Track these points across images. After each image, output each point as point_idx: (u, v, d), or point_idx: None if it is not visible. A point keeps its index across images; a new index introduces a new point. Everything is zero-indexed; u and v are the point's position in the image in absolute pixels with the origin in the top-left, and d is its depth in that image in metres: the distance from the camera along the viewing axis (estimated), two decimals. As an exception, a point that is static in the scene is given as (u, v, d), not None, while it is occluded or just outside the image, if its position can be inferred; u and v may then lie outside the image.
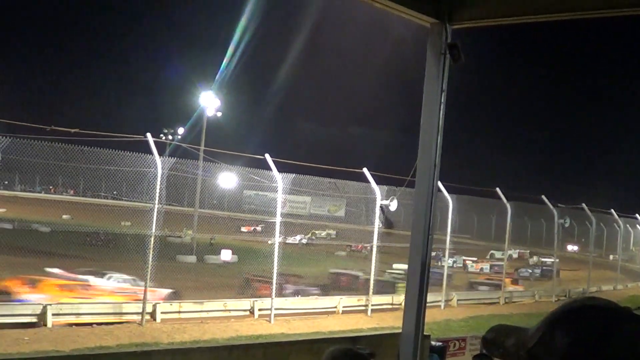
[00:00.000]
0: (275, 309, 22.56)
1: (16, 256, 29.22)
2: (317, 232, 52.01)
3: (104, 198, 74.75)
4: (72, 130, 21.42)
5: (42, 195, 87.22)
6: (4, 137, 18.50)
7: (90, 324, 19.07)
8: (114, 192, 72.21)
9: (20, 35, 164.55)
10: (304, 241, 46.96)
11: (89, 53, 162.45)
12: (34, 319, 18.41)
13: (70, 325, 18.81)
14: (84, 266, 24.60)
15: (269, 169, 23.92)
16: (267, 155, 23.59)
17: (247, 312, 22.92)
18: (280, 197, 23.83)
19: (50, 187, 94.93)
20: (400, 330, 5.82)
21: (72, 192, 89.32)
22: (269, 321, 22.25)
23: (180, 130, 60.30)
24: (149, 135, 21.47)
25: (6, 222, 41.35)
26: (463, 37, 5.72)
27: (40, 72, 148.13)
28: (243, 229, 52.06)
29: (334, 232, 52.12)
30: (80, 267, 24.03)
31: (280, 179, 23.61)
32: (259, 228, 51.61)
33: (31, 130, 20.91)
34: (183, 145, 34.40)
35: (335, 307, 25.29)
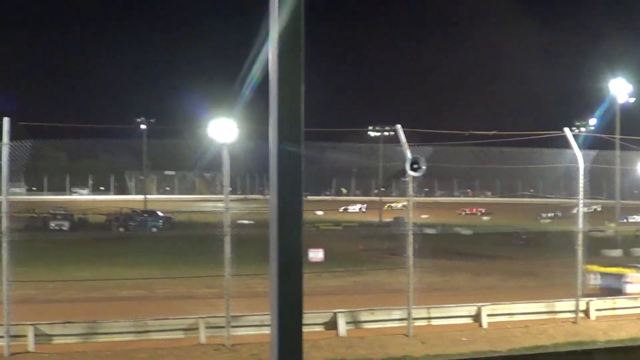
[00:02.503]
0: None
1: (448, 259, 30.36)
2: None
3: (520, 197, 75.16)
4: (491, 133, 21.62)
5: (460, 199, 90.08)
6: (427, 147, 19.16)
7: (524, 324, 19.03)
8: (531, 190, 72.39)
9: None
10: None
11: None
12: (469, 320, 18.83)
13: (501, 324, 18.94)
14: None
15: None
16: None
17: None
18: None
19: (468, 190, 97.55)
20: None
21: (489, 193, 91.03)
22: None
23: (592, 121, 58.45)
24: (566, 130, 20.99)
25: (430, 227, 42.97)
26: None
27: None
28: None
29: None
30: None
31: None
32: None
33: (450, 137, 21.49)
34: (598, 135, 33.09)
35: None
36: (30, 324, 15.76)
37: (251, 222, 44.36)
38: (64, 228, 52.31)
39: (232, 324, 16.43)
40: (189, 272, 25.56)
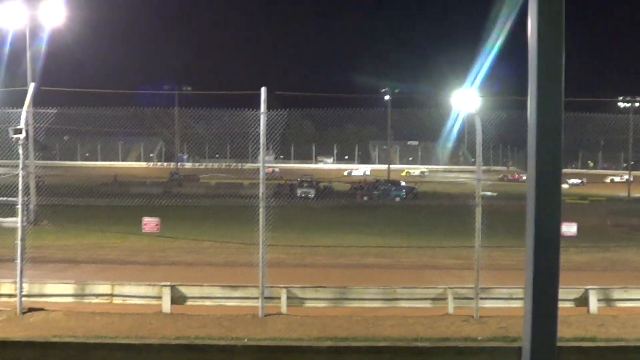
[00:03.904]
0: None
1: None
2: None
3: None
4: None
5: None
6: None
7: None
8: None
9: None
10: None
11: None
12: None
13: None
14: None
15: None
16: None
17: None
18: None
19: None
20: None
21: None
22: None
23: None
24: None
25: None
26: None
27: None
28: None
29: None
30: None
31: None
32: None
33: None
34: None
35: None
36: (283, 287, 16.41)
37: (493, 194, 43.81)
38: (310, 196, 54.17)
39: (481, 295, 16.31)
40: (432, 242, 25.64)
